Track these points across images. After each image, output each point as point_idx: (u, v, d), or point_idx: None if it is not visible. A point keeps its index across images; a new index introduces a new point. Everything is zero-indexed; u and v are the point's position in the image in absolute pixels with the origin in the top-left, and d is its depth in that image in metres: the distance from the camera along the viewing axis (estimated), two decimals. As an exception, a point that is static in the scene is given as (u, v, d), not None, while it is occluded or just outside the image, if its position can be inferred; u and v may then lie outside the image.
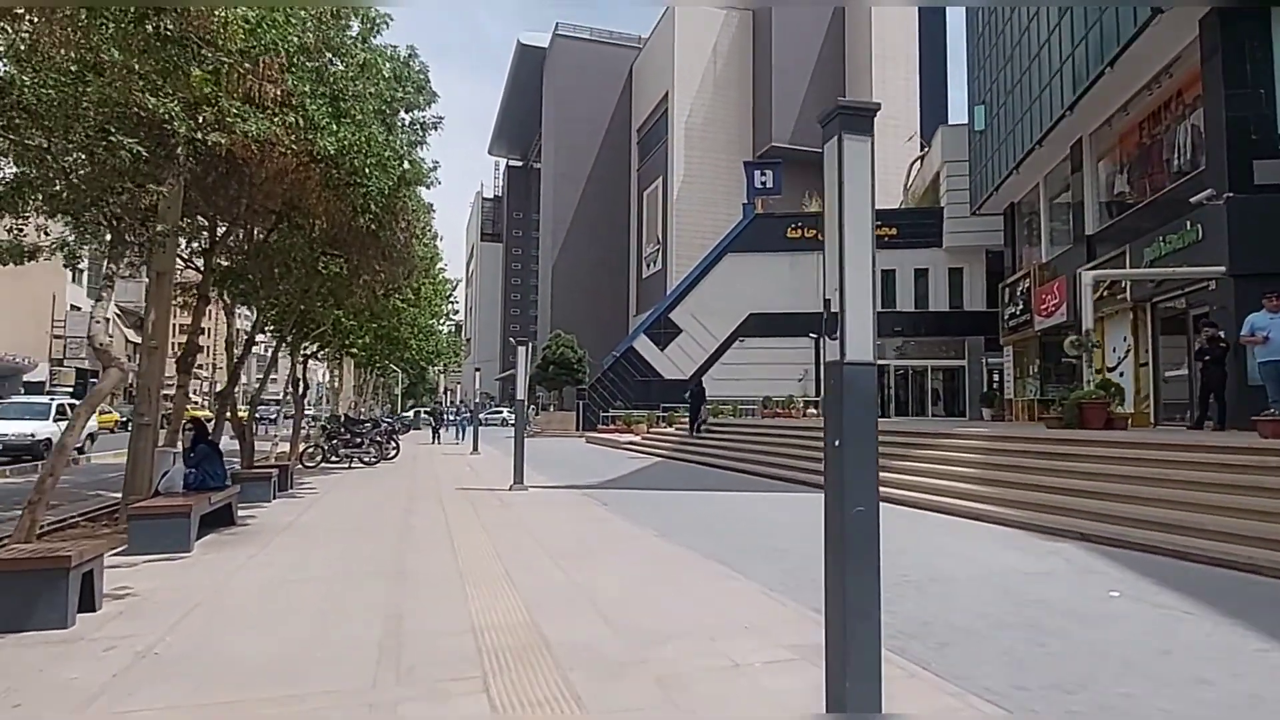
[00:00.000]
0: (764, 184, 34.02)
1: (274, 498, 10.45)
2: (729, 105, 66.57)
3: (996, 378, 30.27)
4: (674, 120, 65.31)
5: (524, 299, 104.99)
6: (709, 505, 10.56)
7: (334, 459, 16.94)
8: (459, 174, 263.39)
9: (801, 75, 64.06)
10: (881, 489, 10.65)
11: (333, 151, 7.40)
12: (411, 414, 47.46)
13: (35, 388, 46.46)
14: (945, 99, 64.21)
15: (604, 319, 70.38)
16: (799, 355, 32.91)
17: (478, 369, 37.39)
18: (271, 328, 16.03)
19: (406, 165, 10.32)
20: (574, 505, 10.47)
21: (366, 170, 8.10)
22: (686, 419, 28.11)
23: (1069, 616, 4.79)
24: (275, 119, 6.65)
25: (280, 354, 19.64)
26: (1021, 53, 20.46)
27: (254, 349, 21.93)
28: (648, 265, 70.56)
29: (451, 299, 35.46)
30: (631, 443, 24.91)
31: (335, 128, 7.55)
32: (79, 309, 45.15)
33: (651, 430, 27.26)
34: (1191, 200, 12.42)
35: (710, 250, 35.35)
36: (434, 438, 27.97)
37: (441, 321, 37.31)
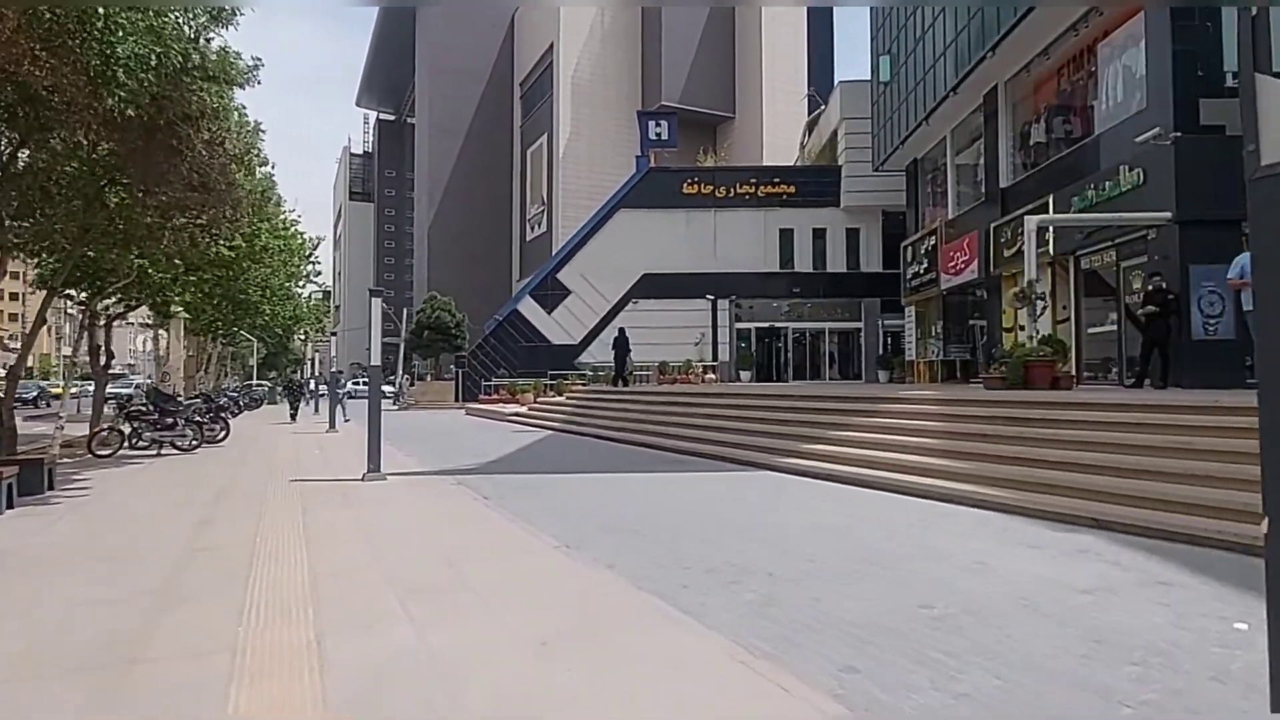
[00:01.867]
0: (658, 135, 31.93)
1: (10, 505, 7.43)
2: (618, 61, 63.85)
3: (892, 340, 30.02)
4: (560, 74, 61.92)
5: (398, 263, 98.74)
6: (616, 493, 8.47)
7: (140, 444, 13.54)
8: (325, 130, 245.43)
9: (692, 34, 62.28)
10: (822, 464, 8.90)
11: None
12: (264, 388, 42.56)
13: None
14: (832, 59, 64.36)
15: (485, 284, 66.61)
16: (696, 319, 31.41)
17: (333, 334, 33.41)
18: (35, 274, 12.40)
19: (192, 51, 7.39)
20: (443, 499, 8.09)
21: (100, 23, 5.23)
22: (580, 384, 25.98)
23: (1233, 683, 3.02)
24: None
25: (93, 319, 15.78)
26: (933, -5, 19.27)
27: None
28: (532, 227, 67.28)
29: (313, 259, 31.37)
30: (517, 414, 22.49)
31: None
32: None
33: (539, 400, 24.89)
34: (1137, 140, 11.38)
35: (601, 206, 32.98)
36: (292, 415, 24.32)
37: (301, 284, 33.07)
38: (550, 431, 17.92)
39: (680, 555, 5.34)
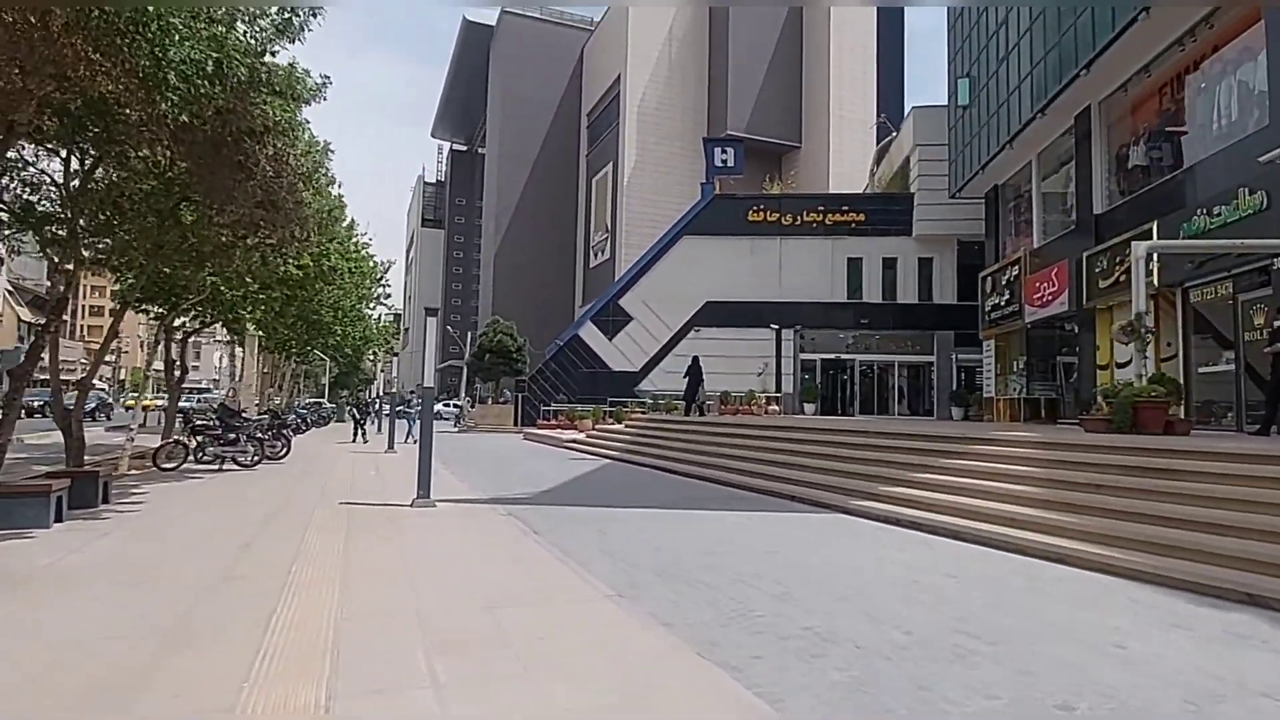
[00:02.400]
0: (724, 162, 31.46)
1: (59, 519, 7.27)
2: (684, 91, 64.09)
3: (966, 376, 28.56)
4: (626, 104, 62.45)
5: (465, 288, 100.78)
6: (676, 532, 7.82)
7: (204, 459, 13.58)
8: (401, 160, 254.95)
9: (759, 64, 62.07)
10: (904, 509, 8.02)
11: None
12: (331, 406, 43.46)
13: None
14: (902, 85, 63.10)
15: (548, 309, 67.14)
16: (759, 348, 30.53)
17: (394, 355, 33.76)
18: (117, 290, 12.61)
19: (252, 59, 7.25)
20: (491, 532, 7.58)
21: (151, 10, 5.01)
22: (640, 412, 25.43)
23: None
24: None
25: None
26: (1019, 16, 18.35)
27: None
28: (595, 254, 67.60)
29: (384, 282, 31.95)
30: (575, 441, 22.04)
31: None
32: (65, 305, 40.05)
33: (598, 426, 24.42)
34: (1261, 159, 10.25)
35: (665, 232, 32.62)
36: (356, 434, 24.11)
37: (372, 306, 33.71)
38: (608, 460, 17.37)
39: (749, 613, 4.67)
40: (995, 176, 21.85)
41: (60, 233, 9.80)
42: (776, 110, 62.53)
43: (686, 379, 20.39)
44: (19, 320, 60.32)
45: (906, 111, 30.74)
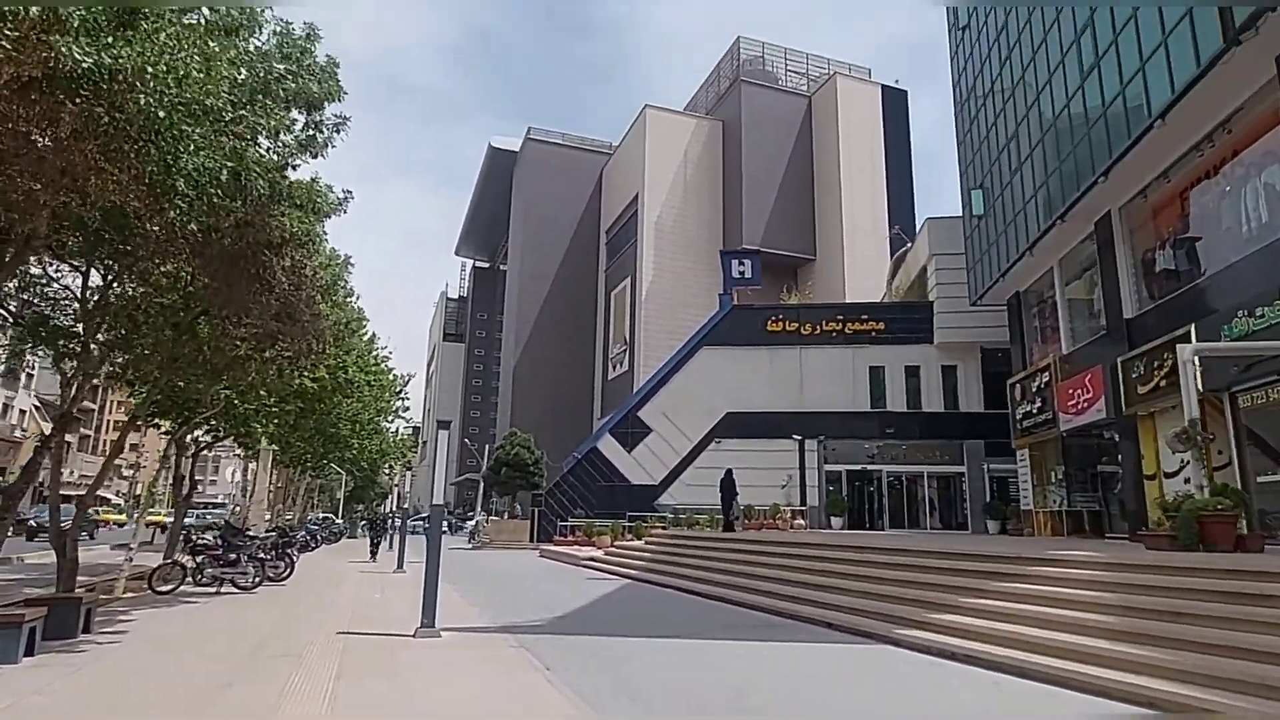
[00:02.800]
0: (741, 274, 31.80)
1: (30, 652, 6.66)
2: (699, 208, 66.31)
3: (998, 486, 27.43)
4: (643, 220, 64.56)
5: (484, 400, 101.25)
6: (703, 668, 7.02)
7: (204, 580, 12.91)
8: (424, 279, 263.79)
9: (771, 180, 64.38)
10: (956, 640, 7.10)
11: (92, 65, 4.29)
12: (342, 523, 42.59)
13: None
14: (911, 197, 64.75)
15: (566, 422, 66.81)
16: (782, 459, 29.65)
17: (408, 468, 33.22)
18: (127, 401, 12.40)
19: (272, 174, 7.26)
20: (499, 670, 6.83)
21: (164, 116, 4.94)
22: (660, 527, 24.43)
23: None
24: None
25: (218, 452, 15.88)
26: (1032, 124, 18.75)
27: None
28: (613, 367, 67.96)
29: (402, 395, 31.94)
30: (593, 559, 21.04)
31: (110, 39, 4.49)
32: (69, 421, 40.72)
33: (616, 543, 23.41)
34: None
35: (684, 344, 32.60)
36: (372, 553, 23.01)
37: (389, 419, 33.56)
38: (628, 579, 16.41)
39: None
40: (1016, 284, 21.72)
41: (74, 347, 9.70)
42: (790, 224, 64.24)
43: (721, 493, 19.59)
44: (42, 434, 61.01)
45: (920, 222, 31.22)
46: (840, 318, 30.87)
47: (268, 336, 10.83)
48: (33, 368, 60.44)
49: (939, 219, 28.94)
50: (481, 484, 41.83)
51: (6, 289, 8.65)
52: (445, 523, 27.24)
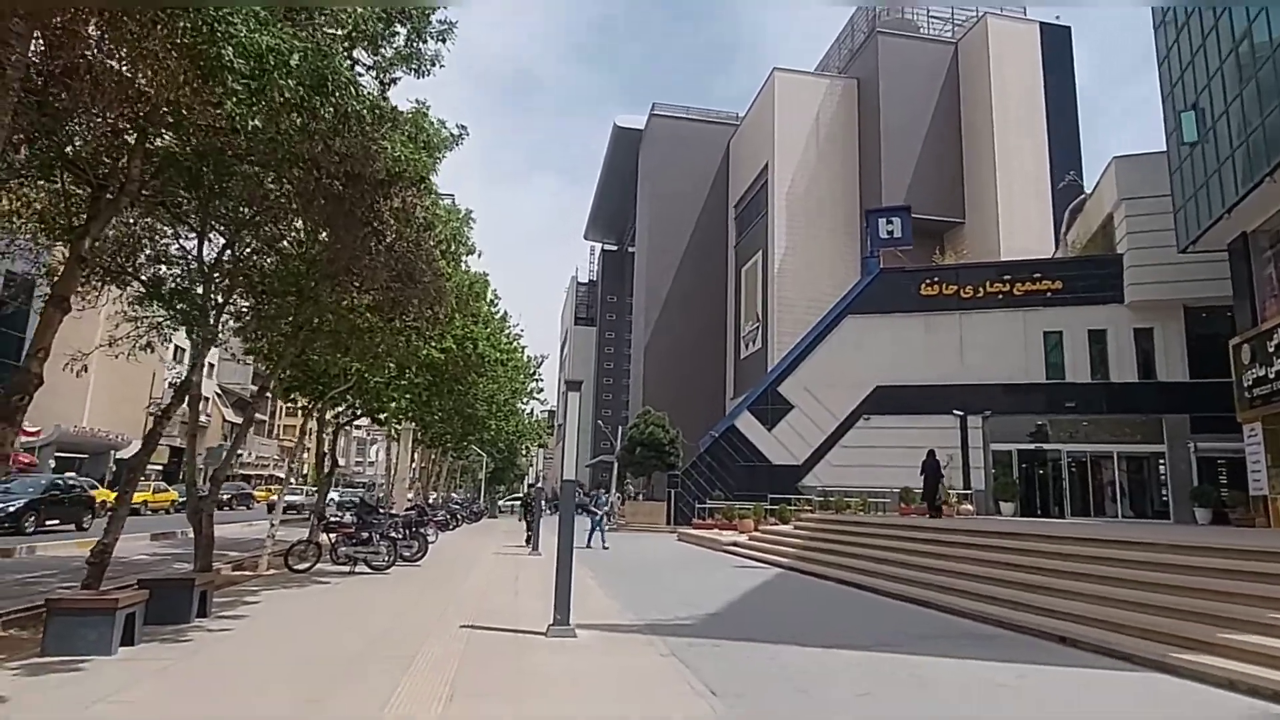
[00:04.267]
0: (890, 233, 28.83)
1: (130, 640, 5.96)
2: (833, 175, 62.49)
3: (1206, 468, 23.35)
4: (774, 191, 61.64)
5: (615, 383, 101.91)
6: (918, 697, 5.29)
7: (339, 560, 12.50)
8: (555, 270, 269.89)
9: (913, 140, 59.56)
10: (1270, 672, 4.88)
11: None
12: (484, 501, 43.46)
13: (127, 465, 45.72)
14: (1078, 140, 57.85)
15: (698, 403, 65.36)
16: (940, 438, 26.67)
17: (540, 446, 32.89)
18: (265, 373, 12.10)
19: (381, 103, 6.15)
20: (646, 683, 5.43)
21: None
22: (808, 511, 22.50)
23: None
24: None
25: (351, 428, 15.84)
26: (1267, 23, 15.11)
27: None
28: (746, 345, 65.75)
29: (536, 377, 31.70)
30: (736, 544, 19.48)
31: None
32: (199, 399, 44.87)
33: (760, 528, 21.70)
34: None
35: (826, 313, 30.13)
36: (529, 539, 18.69)
37: (525, 400, 33.54)
38: (779, 569, 14.73)
39: None
40: (1243, 222, 17.88)
41: (193, 312, 9.24)
42: (935, 186, 59.18)
43: (923, 475, 17.69)
44: (224, 420, 66.87)
45: (1109, 162, 26.94)
46: (1007, 278, 27.32)
47: (389, 301, 10.06)
48: (214, 358, 66.47)
49: (1129, 157, 24.83)
50: (615, 465, 41.25)
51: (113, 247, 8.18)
52: (578, 504, 26.48)
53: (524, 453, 64.72)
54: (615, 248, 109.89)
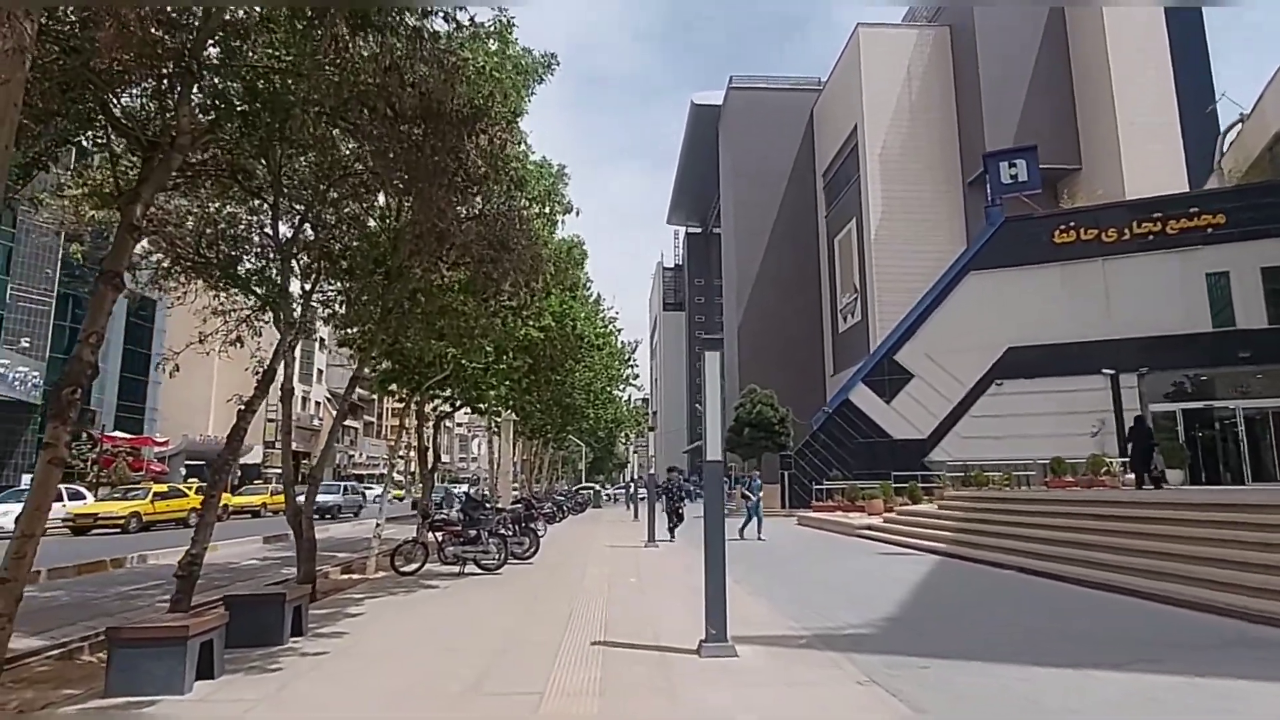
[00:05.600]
0: (1014, 177, 25.90)
1: (209, 674, 4.97)
2: (929, 130, 58.44)
3: None
4: (865, 154, 58.22)
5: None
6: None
7: (448, 560, 11.58)
8: (640, 258, 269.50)
9: (1016, 85, 54.85)
10: None
11: None
12: (589, 491, 42.86)
13: (250, 470, 47.57)
14: (1209, 75, 51.76)
15: (797, 382, 62.64)
16: (1087, 400, 23.84)
17: (638, 433, 31.61)
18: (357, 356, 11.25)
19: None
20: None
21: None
22: (948, 488, 20.31)
23: None
24: None
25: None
26: None
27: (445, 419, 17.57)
28: (844, 318, 62.66)
29: (631, 363, 30.61)
30: (869, 527, 17.65)
31: None
32: (293, 394, 46.24)
33: (894, 509, 19.71)
34: None
35: (944, 272, 27.53)
36: (672, 529, 17.94)
37: (620, 387, 32.55)
38: (935, 555, 12.88)
39: None
40: None
41: (273, 295, 8.38)
42: (1045, 132, 54.01)
43: (1131, 444, 15.74)
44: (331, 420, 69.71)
45: (1273, 77, 23.18)
46: (1158, 215, 24.03)
47: (482, 276, 8.93)
48: (323, 364, 68.77)
49: (1305, 63, 21.17)
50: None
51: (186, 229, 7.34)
52: (685, 492, 25.16)
53: (623, 440, 63.92)
54: (700, 229, 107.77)
